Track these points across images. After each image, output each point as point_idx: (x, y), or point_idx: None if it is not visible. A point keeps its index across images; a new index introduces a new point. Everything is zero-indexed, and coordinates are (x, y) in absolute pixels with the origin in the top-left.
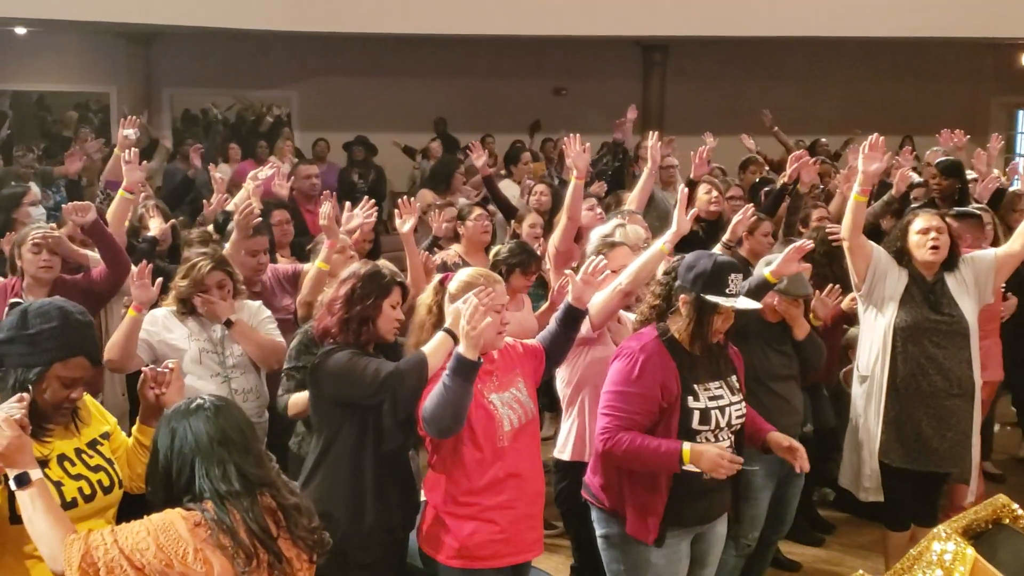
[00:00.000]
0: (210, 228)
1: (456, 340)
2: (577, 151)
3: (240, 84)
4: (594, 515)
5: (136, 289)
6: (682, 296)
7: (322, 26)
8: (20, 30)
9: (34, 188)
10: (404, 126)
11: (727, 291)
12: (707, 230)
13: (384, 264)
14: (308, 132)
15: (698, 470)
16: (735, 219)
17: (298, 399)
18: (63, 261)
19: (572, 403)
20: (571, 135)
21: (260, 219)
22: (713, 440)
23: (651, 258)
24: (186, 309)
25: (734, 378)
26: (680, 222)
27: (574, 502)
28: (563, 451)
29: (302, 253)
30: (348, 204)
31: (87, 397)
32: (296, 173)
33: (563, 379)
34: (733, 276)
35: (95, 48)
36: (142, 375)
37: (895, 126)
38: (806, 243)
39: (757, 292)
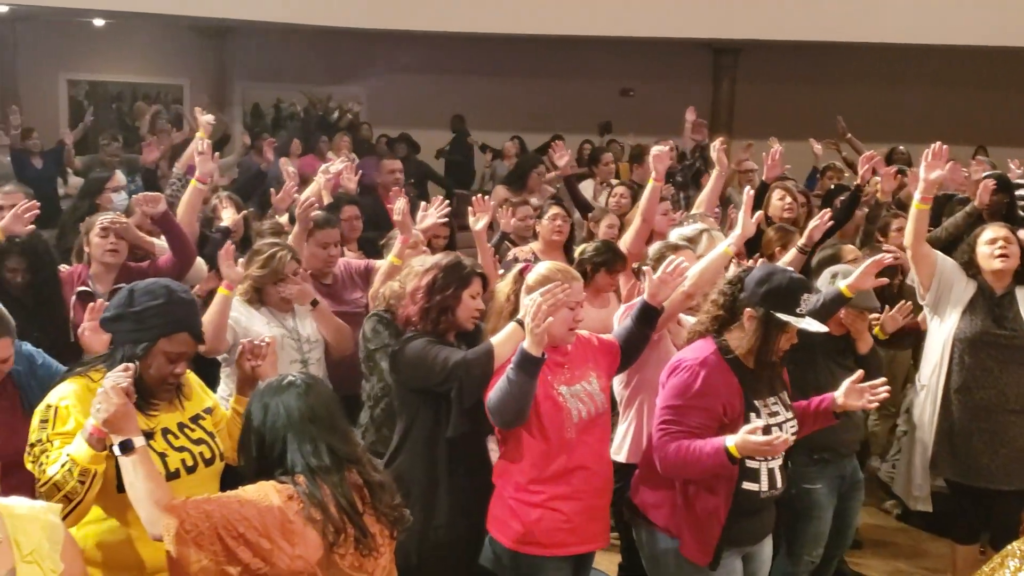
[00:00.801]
0: (283, 219)
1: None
2: (657, 153)
3: (310, 80)
4: (639, 534)
5: (225, 268)
6: (748, 310)
7: (393, 23)
8: (99, 22)
9: (118, 175)
10: (474, 124)
11: (797, 311)
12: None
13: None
14: (376, 128)
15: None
16: (811, 224)
17: None
18: (130, 249)
19: (630, 405)
20: (649, 139)
21: (320, 212)
22: (771, 458)
23: (715, 260)
24: (258, 298)
25: (786, 394)
26: (745, 224)
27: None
28: (619, 452)
29: (372, 249)
30: (423, 204)
31: (190, 374)
32: (380, 168)
33: (621, 380)
34: (806, 296)
35: (170, 41)
36: (240, 347)
37: (971, 135)
38: (886, 257)
39: (831, 305)
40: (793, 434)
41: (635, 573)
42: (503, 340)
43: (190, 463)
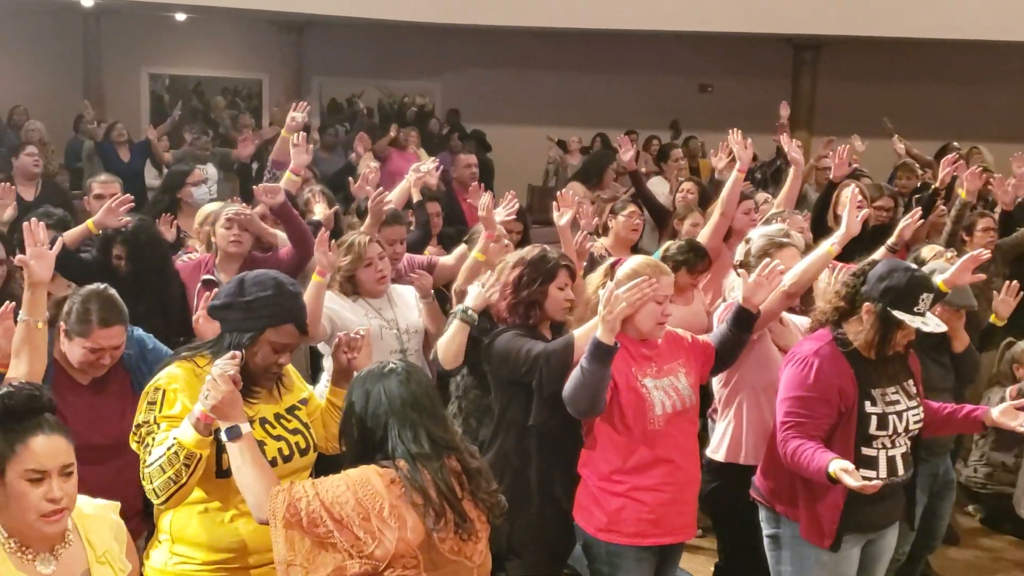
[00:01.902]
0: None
1: None
2: (741, 144)
3: (385, 74)
4: (762, 515)
5: (320, 255)
6: (867, 304)
7: (467, 18)
8: (180, 16)
9: (199, 169)
10: (548, 119)
11: (916, 309)
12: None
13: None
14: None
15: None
16: (902, 223)
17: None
18: (256, 239)
19: (729, 404)
20: (734, 130)
21: (392, 206)
22: (891, 446)
23: (818, 260)
24: (352, 288)
25: (911, 383)
26: (850, 223)
27: (725, 504)
28: (716, 451)
29: (449, 244)
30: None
31: (289, 366)
32: (456, 162)
33: (720, 379)
34: (925, 295)
35: (250, 36)
36: (337, 340)
37: None
38: (983, 253)
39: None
40: (917, 423)
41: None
42: (585, 333)
43: (286, 452)
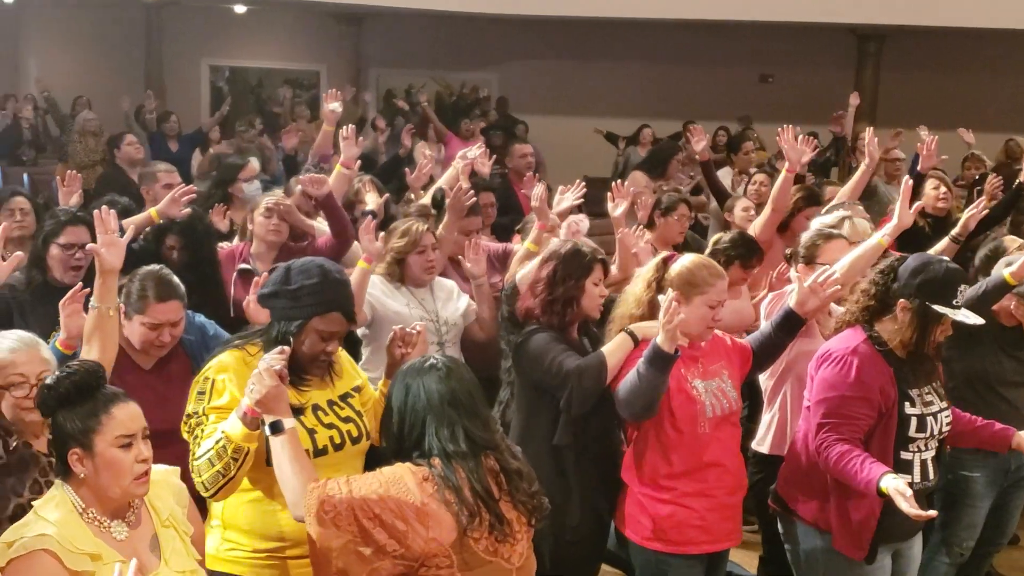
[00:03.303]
0: (427, 201)
1: (636, 341)
2: (791, 142)
3: (442, 65)
4: (784, 528)
5: (366, 242)
6: (902, 301)
7: (525, 8)
8: (240, 8)
9: (253, 162)
10: (605, 111)
11: (954, 302)
12: (933, 226)
13: (584, 241)
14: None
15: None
16: (966, 213)
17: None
18: (291, 229)
19: (775, 395)
20: (785, 127)
21: (475, 199)
22: (924, 449)
23: (868, 251)
24: (399, 274)
25: (939, 383)
26: (903, 215)
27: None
28: (762, 443)
29: (504, 233)
30: (560, 187)
31: (341, 352)
32: (512, 152)
33: (766, 371)
34: (962, 287)
35: (308, 27)
36: (392, 334)
37: None
38: None
39: (994, 294)
40: (947, 426)
41: (776, 567)
42: (613, 350)
43: (338, 440)
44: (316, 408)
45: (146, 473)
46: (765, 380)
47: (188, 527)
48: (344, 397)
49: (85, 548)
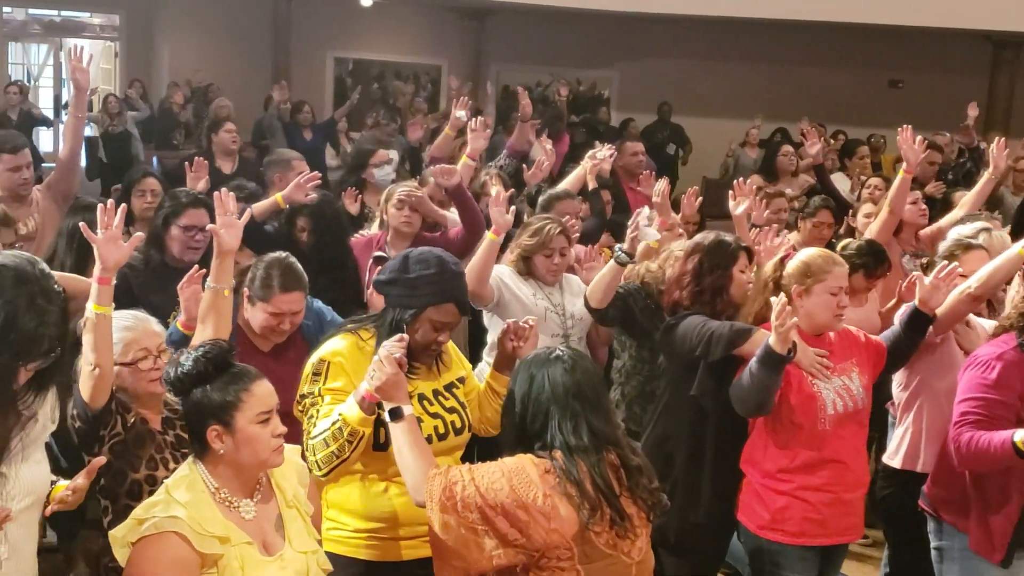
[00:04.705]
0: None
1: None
2: (910, 143)
3: (562, 62)
4: (930, 525)
5: (496, 214)
6: None
7: (648, 6)
8: (366, 2)
9: (382, 151)
10: (727, 111)
11: None
12: None
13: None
14: (626, 112)
15: None
16: None
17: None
18: (423, 219)
19: (908, 408)
20: (905, 127)
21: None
22: None
23: (1006, 263)
24: (526, 269)
25: None
26: None
27: (898, 511)
28: (893, 457)
29: (619, 232)
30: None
31: (450, 343)
32: (622, 150)
33: (899, 383)
34: None
35: (432, 22)
36: (505, 327)
37: None
38: None
39: None
40: None
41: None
42: (753, 341)
43: (442, 430)
44: (422, 397)
45: (282, 445)
46: (898, 393)
47: (309, 507)
48: (449, 387)
49: (215, 531)
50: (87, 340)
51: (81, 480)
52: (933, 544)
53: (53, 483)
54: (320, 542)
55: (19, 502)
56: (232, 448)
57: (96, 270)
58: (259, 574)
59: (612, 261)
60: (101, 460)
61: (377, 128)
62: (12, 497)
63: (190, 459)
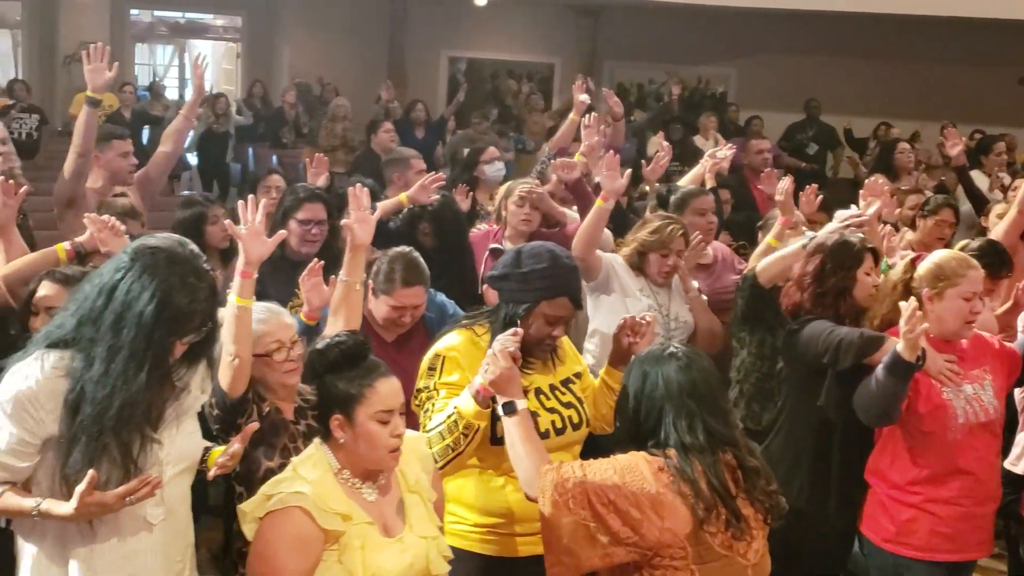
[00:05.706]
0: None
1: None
2: None
3: (678, 59)
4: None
5: (607, 179)
6: None
7: (765, 2)
8: (480, 1)
9: (491, 148)
10: (847, 109)
11: None
12: None
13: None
14: (745, 110)
15: None
16: None
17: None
18: (543, 217)
19: None
20: None
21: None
22: None
23: None
24: (639, 264)
25: None
26: None
27: (1020, 521)
28: (1016, 463)
29: (739, 231)
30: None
31: (564, 339)
32: (748, 148)
33: (1021, 387)
34: None
35: (545, 20)
36: (621, 321)
37: None
38: None
39: None
40: None
41: None
42: (884, 349)
43: (559, 425)
44: (538, 392)
45: (398, 448)
46: (1020, 397)
47: (432, 493)
48: (566, 382)
49: (338, 508)
50: (227, 331)
51: (237, 446)
52: None
53: (207, 450)
54: (442, 529)
55: (173, 467)
56: (351, 439)
57: (239, 264)
58: (379, 554)
59: (798, 244)
60: (255, 425)
61: (471, 128)
62: (167, 462)
63: (318, 439)
